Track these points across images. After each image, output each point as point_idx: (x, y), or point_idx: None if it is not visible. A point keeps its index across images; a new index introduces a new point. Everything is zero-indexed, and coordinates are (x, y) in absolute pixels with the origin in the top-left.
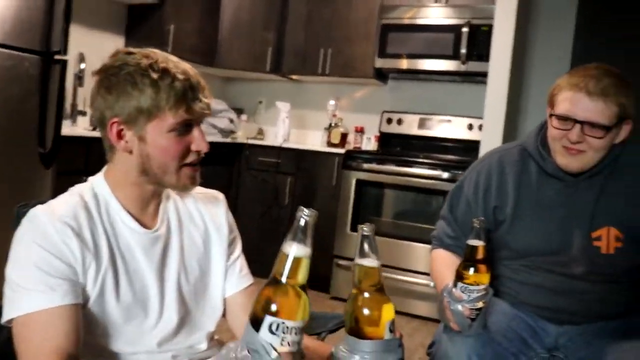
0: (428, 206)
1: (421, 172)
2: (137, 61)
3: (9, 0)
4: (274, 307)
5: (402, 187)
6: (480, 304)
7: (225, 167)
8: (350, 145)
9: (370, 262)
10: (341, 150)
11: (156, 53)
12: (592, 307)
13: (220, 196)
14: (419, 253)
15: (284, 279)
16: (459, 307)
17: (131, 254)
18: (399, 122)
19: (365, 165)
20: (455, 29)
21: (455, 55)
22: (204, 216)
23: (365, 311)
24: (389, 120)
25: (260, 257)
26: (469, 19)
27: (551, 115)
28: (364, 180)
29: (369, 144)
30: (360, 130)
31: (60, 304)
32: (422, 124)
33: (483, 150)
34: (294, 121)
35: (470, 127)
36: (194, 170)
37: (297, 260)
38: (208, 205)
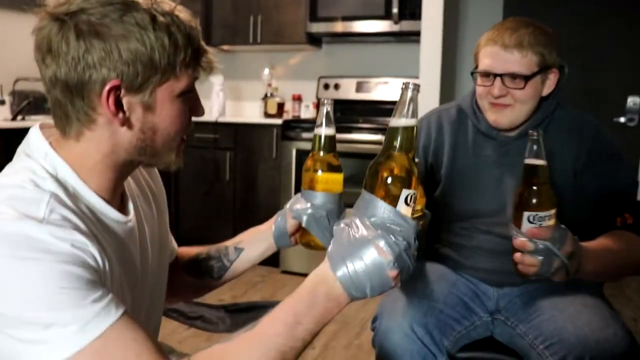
0: None
1: (363, 137)
2: None
3: None
4: (408, 181)
5: (345, 155)
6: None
7: None
8: (288, 115)
9: (330, 131)
10: (279, 121)
11: None
12: None
13: None
14: None
15: (397, 151)
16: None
17: (125, 249)
18: (336, 87)
19: (305, 135)
20: None
21: (387, 15)
22: (149, 182)
23: (325, 168)
24: (326, 86)
25: (208, 234)
26: None
27: (473, 73)
28: (304, 150)
29: (308, 111)
30: (297, 98)
31: (117, 316)
32: (359, 88)
33: (421, 112)
34: (229, 93)
35: None
36: (184, 143)
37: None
38: (148, 170)
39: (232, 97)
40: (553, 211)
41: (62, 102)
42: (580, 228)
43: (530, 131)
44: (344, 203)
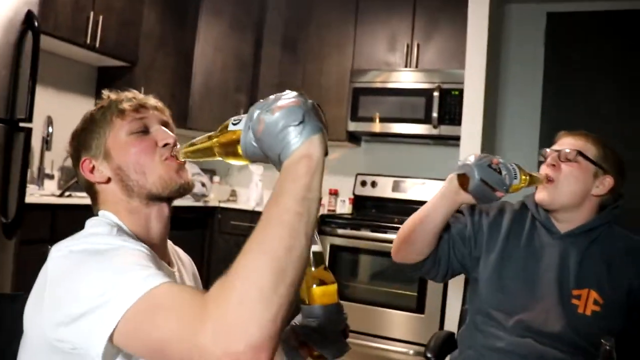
0: (402, 271)
1: None
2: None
3: None
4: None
5: (378, 253)
6: None
7: (198, 231)
8: (324, 208)
9: (316, 247)
10: None
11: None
12: None
13: None
14: (396, 320)
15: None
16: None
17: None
18: (373, 184)
19: (340, 231)
20: (426, 93)
21: (427, 119)
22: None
23: (319, 283)
24: (363, 183)
25: None
26: (439, 83)
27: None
28: (338, 245)
29: (344, 206)
30: (334, 193)
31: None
32: (396, 187)
33: None
34: (267, 183)
35: None
36: (174, 160)
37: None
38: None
39: (270, 186)
40: None
41: (82, 185)
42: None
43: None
44: (343, 311)
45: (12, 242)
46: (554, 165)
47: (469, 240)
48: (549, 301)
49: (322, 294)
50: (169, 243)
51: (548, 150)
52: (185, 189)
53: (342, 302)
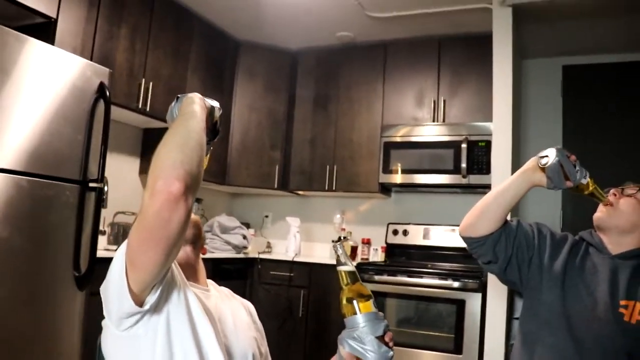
0: (438, 314)
1: (433, 282)
2: None
3: (52, 136)
4: (360, 295)
5: (414, 297)
6: None
7: (240, 282)
8: (358, 257)
9: (349, 267)
10: None
11: None
12: None
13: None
14: None
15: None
16: None
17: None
18: (405, 233)
19: (377, 277)
20: (454, 145)
21: (456, 169)
22: (249, 308)
23: (356, 296)
24: (395, 232)
25: None
26: (466, 136)
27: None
28: (376, 291)
29: (376, 255)
30: (367, 242)
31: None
32: (426, 234)
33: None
34: (303, 234)
35: None
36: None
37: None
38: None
39: (304, 237)
40: None
41: None
42: None
43: None
44: (382, 318)
45: (83, 293)
46: (615, 194)
47: (532, 247)
48: (600, 308)
49: (359, 305)
50: (211, 282)
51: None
52: None
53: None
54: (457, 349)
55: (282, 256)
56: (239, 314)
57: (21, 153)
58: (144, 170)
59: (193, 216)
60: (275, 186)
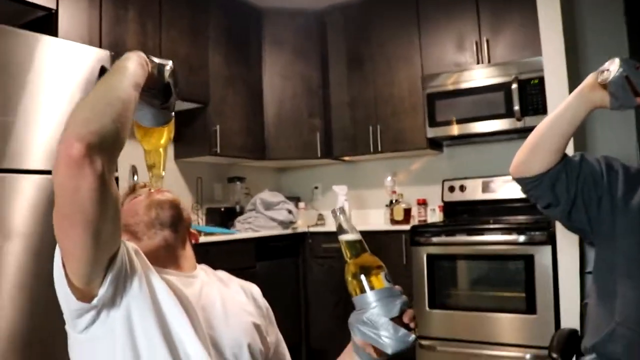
0: (506, 273)
1: (496, 238)
2: None
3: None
4: (369, 270)
5: (477, 257)
6: None
7: (290, 259)
8: (415, 220)
9: (352, 236)
10: (406, 227)
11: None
12: None
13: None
14: (502, 323)
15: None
16: None
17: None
18: (462, 188)
19: (435, 239)
20: (504, 87)
21: (508, 113)
22: (252, 291)
23: (364, 270)
24: (452, 189)
25: (340, 344)
26: (516, 75)
27: None
28: (435, 254)
29: (434, 215)
30: (423, 203)
31: None
32: (485, 188)
33: None
34: (353, 202)
35: None
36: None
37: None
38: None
39: (356, 205)
40: None
41: None
42: None
43: None
44: (398, 295)
45: None
46: None
47: (601, 185)
48: None
49: (368, 280)
50: (204, 267)
51: None
52: None
53: (445, 310)
54: (531, 308)
55: (333, 227)
56: (232, 299)
57: (47, 153)
58: None
59: (169, 195)
60: (319, 155)
